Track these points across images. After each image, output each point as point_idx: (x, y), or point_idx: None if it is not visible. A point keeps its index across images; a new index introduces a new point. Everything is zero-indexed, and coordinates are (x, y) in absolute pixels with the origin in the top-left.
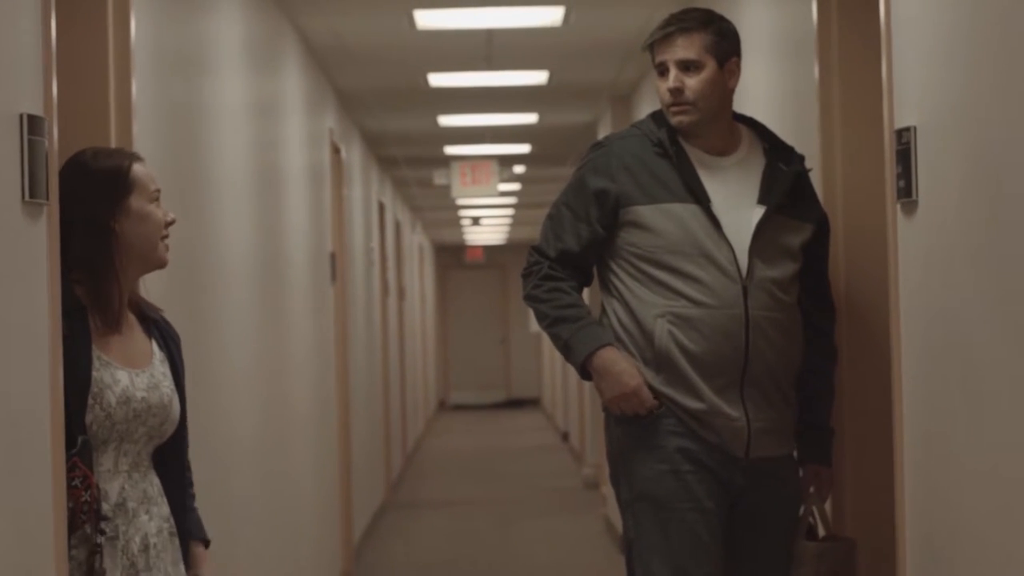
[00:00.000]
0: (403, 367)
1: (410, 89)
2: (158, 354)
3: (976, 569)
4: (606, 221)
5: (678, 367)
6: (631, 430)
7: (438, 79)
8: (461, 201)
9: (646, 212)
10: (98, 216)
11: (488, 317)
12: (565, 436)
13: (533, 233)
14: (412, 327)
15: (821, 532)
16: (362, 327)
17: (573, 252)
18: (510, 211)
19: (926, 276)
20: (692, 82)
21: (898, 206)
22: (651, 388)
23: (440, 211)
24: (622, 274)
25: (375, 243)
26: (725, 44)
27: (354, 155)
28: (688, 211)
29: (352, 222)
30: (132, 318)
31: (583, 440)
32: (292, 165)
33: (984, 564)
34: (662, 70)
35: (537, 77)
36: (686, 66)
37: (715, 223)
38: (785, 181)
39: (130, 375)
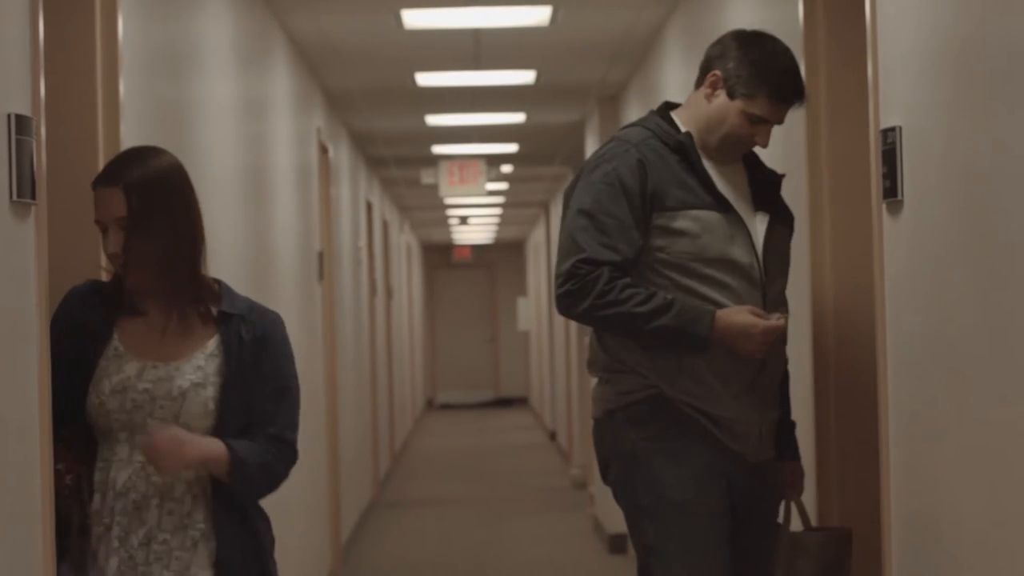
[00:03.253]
0: (391, 366)
1: (398, 89)
2: (210, 348)
3: (959, 552)
4: (646, 224)
5: (700, 373)
6: (648, 434)
7: (426, 79)
8: (449, 200)
9: (679, 218)
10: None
11: (476, 316)
12: (553, 435)
13: (520, 232)
14: (400, 326)
15: (797, 525)
16: (350, 326)
17: (628, 259)
18: (498, 210)
19: (911, 274)
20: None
21: (883, 205)
22: (669, 397)
23: (428, 210)
24: (645, 282)
25: (363, 242)
26: None
27: (342, 154)
28: (713, 218)
29: (340, 221)
30: (194, 313)
31: (571, 439)
32: (280, 164)
33: (967, 547)
34: (756, 120)
35: (524, 77)
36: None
37: (741, 230)
38: (774, 188)
39: (142, 366)
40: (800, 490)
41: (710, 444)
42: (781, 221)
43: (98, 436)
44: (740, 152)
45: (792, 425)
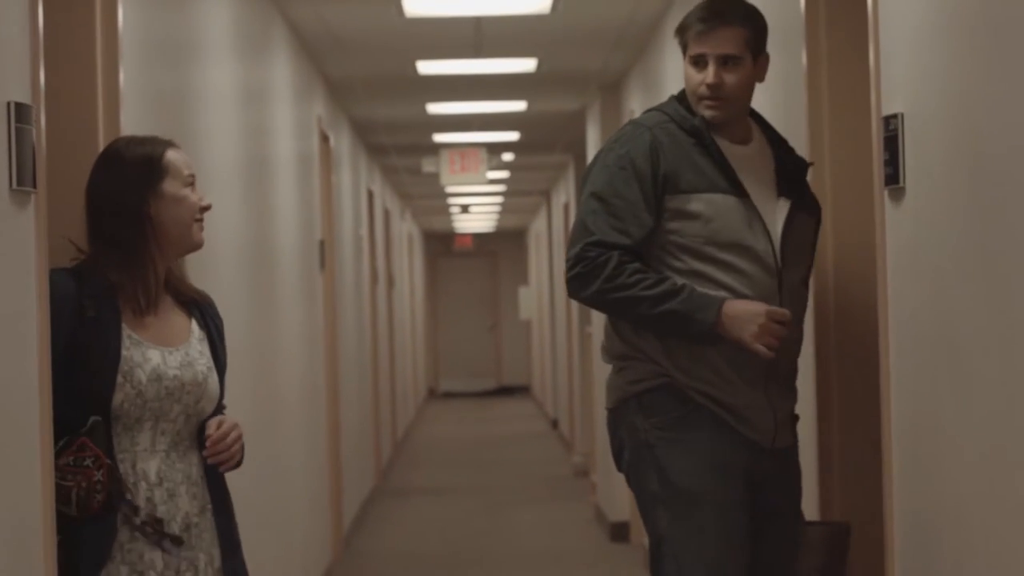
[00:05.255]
0: (393, 355)
1: (399, 77)
2: (197, 332)
3: (962, 546)
4: (659, 206)
5: (714, 361)
6: (660, 422)
7: (427, 67)
8: (450, 189)
9: (691, 201)
10: (131, 202)
11: (477, 305)
12: (555, 423)
13: (522, 221)
14: (401, 315)
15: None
16: (351, 315)
17: (639, 242)
18: (499, 199)
19: (913, 261)
20: (730, 78)
21: (885, 192)
22: (681, 385)
23: (429, 199)
24: (659, 265)
25: (364, 231)
26: (761, 39)
27: (343, 143)
28: (729, 202)
29: (341, 210)
30: (169, 299)
31: (573, 427)
32: (281, 153)
33: (969, 541)
34: (698, 61)
35: (526, 65)
36: (725, 60)
37: (756, 215)
38: (800, 174)
39: (163, 353)
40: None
41: (724, 432)
42: (805, 209)
43: (117, 427)
44: (717, 109)
45: (796, 417)
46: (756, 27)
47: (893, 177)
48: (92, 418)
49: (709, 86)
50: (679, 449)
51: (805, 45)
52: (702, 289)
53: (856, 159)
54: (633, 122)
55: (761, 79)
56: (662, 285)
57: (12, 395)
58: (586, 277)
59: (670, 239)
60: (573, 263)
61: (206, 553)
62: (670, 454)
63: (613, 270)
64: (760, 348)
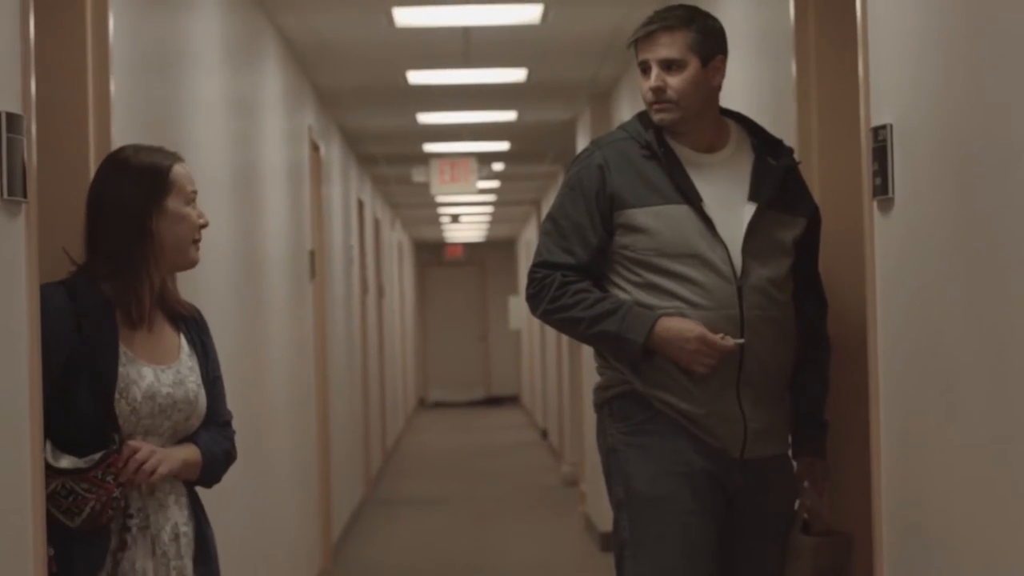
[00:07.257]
0: (382, 365)
1: (389, 87)
2: (186, 349)
3: (949, 557)
4: (606, 224)
5: (668, 368)
6: (625, 428)
7: (417, 76)
8: (440, 198)
9: (638, 215)
10: (133, 215)
11: (467, 314)
12: (544, 434)
13: (512, 231)
14: (391, 325)
15: (813, 527)
16: (341, 325)
17: (584, 261)
18: (489, 208)
19: (902, 272)
20: (674, 81)
21: (874, 203)
22: (641, 393)
23: (419, 208)
24: (615, 277)
25: (354, 241)
26: (709, 42)
27: (333, 152)
28: (680, 212)
29: (331, 220)
30: (160, 315)
31: (562, 438)
32: (271, 163)
33: (958, 549)
34: (644, 68)
35: (516, 75)
36: (668, 65)
37: (708, 223)
38: (775, 176)
39: (155, 371)
40: (820, 490)
41: (689, 440)
42: (778, 208)
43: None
44: (666, 112)
45: (818, 420)
46: (702, 29)
47: (882, 188)
48: (118, 436)
49: (652, 90)
50: (641, 455)
51: (794, 56)
52: (650, 302)
53: (845, 170)
54: (592, 141)
55: (716, 83)
56: (600, 305)
57: (3, 409)
58: (535, 298)
59: (624, 253)
60: (527, 284)
61: (193, 561)
62: (631, 460)
63: (556, 290)
64: (695, 369)
